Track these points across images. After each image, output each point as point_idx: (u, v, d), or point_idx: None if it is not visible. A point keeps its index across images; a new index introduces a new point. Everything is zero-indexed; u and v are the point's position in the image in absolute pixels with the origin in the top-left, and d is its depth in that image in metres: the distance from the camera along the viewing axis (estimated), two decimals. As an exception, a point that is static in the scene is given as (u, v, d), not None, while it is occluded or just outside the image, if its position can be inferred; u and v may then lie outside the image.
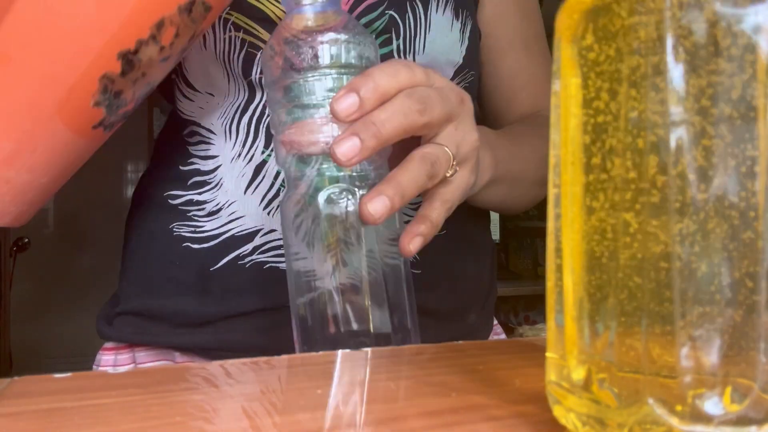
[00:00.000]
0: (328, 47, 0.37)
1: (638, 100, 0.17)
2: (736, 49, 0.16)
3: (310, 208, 0.37)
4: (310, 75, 0.37)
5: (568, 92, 0.20)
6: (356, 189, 0.37)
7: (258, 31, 0.50)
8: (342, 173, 0.37)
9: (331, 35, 0.37)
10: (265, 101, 0.52)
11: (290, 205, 0.38)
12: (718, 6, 0.16)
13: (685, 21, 0.17)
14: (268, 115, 0.52)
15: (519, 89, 0.64)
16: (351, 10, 0.51)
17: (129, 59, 0.36)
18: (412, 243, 0.37)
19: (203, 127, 0.55)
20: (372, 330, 0.36)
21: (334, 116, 0.34)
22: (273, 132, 0.39)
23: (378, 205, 0.34)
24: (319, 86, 0.37)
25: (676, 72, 0.17)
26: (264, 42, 0.50)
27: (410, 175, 0.36)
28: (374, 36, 0.52)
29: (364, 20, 0.52)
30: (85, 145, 0.40)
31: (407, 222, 0.39)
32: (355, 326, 0.36)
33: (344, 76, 0.37)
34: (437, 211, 0.39)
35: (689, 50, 0.17)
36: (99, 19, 0.35)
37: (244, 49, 0.50)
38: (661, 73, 0.17)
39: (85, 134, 0.39)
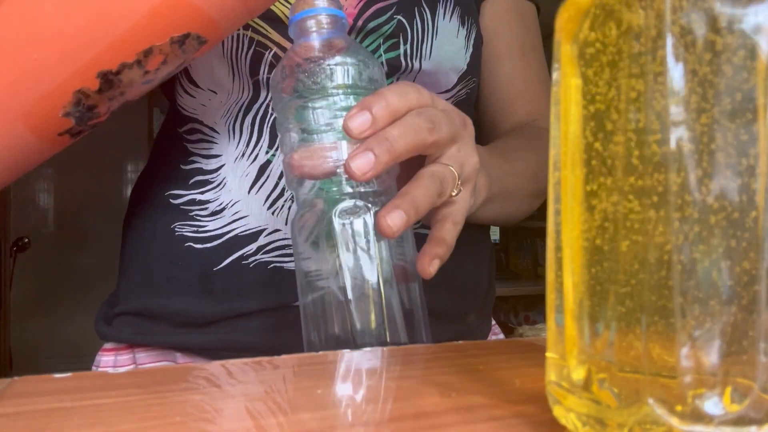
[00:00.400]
0: (337, 70, 0.38)
1: (638, 99, 0.17)
2: (736, 49, 0.16)
3: (322, 225, 0.37)
4: (319, 98, 0.38)
5: (568, 92, 0.20)
6: (369, 205, 0.38)
7: (267, 31, 0.50)
8: (352, 190, 0.38)
9: (338, 59, 0.38)
10: (269, 101, 0.52)
11: (303, 223, 0.39)
12: (718, 6, 0.16)
13: (685, 21, 0.17)
14: (272, 115, 0.52)
15: (515, 97, 0.65)
16: (360, 14, 0.52)
17: (108, 78, 0.36)
18: (432, 265, 0.38)
19: (206, 126, 0.54)
20: (389, 340, 0.36)
21: (347, 133, 0.35)
22: (282, 154, 0.40)
23: (396, 218, 0.35)
24: (328, 109, 0.38)
25: (676, 72, 0.17)
26: (273, 42, 0.50)
27: (423, 190, 0.37)
28: (382, 40, 0.52)
29: (372, 24, 0.52)
30: (47, 148, 0.40)
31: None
32: (373, 339, 0.36)
33: (352, 98, 0.38)
34: (450, 233, 0.40)
35: (689, 50, 0.17)
36: (85, 39, 0.35)
37: (252, 48, 0.50)
38: (661, 72, 0.17)
39: (50, 140, 0.39)
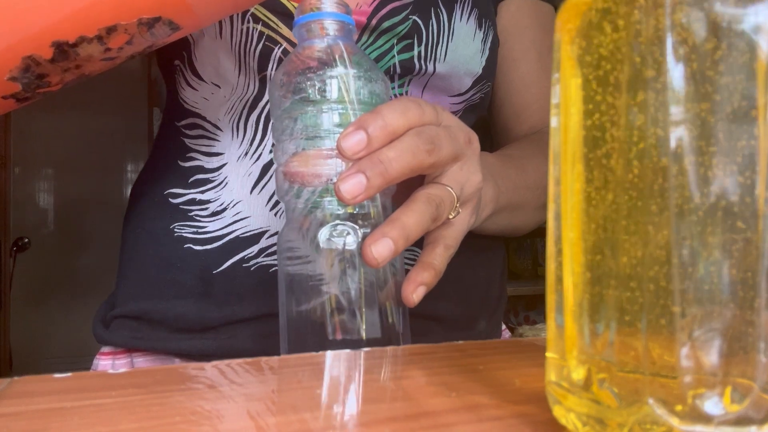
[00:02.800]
0: (338, 82, 0.37)
1: (638, 100, 0.17)
2: (736, 49, 0.16)
3: (309, 243, 0.37)
4: (317, 108, 0.37)
5: (568, 92, 0.20)
6: (358, 227, 0.37)
7: (278, 26, 0.49)
8: (343, 210, 0.37)
9: (341, 70, 0.37)
10: None
11: (290, 237, 0.38)
12: (718, 6, 0.16)
13: (685, 21, 0.17)
14: None
15: (530, 101, 0.63)
16: (374, 12, 0.51)
17: (64, 50, 0.34)
18: (416, 293, 0.37)
19: (208, 122, 0.53)
20: (364, 338, 0.36)
21: (341, 153, 0.34)
22: (275, 162, 0.39)
23: (382, 248, 0.34)
24: (326, 120, 0.37)
25: (676, 72, 0.17)
26: (283, 37, 0.49)
27: (415, 217, 0.35)
28: (395, 40, 0.52)
29: (386, 23, 0.51)
30: None
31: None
32: (347, 337, 0.36)
33: (352, 111, 0.37)
34: (440, 258, 0.38)
35: (689, 50, 0.17)
36: (43, 5, 0.32)
37: (262, 42, 0.49)
38: (661, 73, 0.17)
39: None
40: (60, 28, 0.33)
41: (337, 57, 0.37)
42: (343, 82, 0.37)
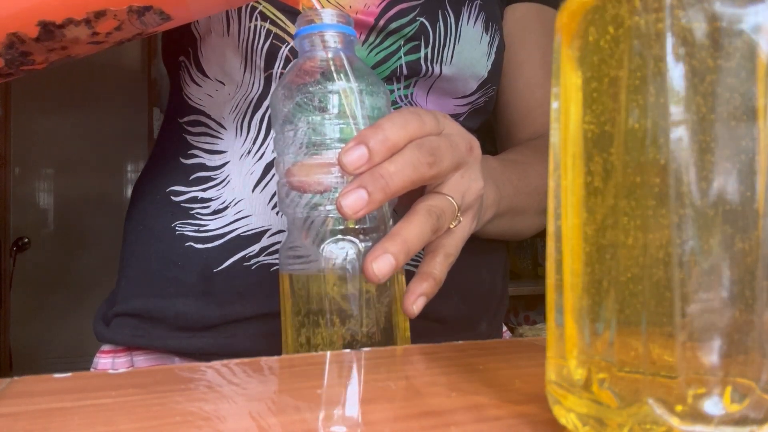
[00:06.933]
0: (340, 95, 0.37)
1: (638, 100, 0.17)
2: (736, 49, 0.16)
3: (310, 257, 0.37)
4: (319, 121, 0.37)
5: (568, 92, 0.20)
6: (358, 241, 0.37)
7: (285, 24, 0.49)
8: (344, 225, 0.37)
9: (342, 83, 0.37)
10: None
11: (292, 252, 0.38)
12: (718, 6, 0.16)
13: (685, 21, 0.17)
14: None
15: (535, 105, 0.64)
16: (382, 14, 0.51)
17: (50, 30, 0.34)
18: (416, 304, 0.37)
19: (212, 119, 0.53)
20: (364, 331, 0.36)
21: (342, 169, 0.34)
22: (277, 174, 0.39)
23: (382, 264, 0.34)
24: (327, 132, 0.37)
25: (676, 72, 0.17)
26: (290, 35, 0.49)
27: (415, 230, 0.35)
28: (403, 42, 0.52)
29: (394, 24, 0.51)
30: None
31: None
32: (346, 331, 0.36)
33: (353, 125, 0.37)
34: (440, 267, 0.39)
35: (689, 50, 0.17)
36: None
37: (269, 40, 0.49)
38: (661, 73, 0.17)
39: None
40: (48, 8, 0.33)
41: (338, 70, 0.37)
42: (344, 96, 0.37)
